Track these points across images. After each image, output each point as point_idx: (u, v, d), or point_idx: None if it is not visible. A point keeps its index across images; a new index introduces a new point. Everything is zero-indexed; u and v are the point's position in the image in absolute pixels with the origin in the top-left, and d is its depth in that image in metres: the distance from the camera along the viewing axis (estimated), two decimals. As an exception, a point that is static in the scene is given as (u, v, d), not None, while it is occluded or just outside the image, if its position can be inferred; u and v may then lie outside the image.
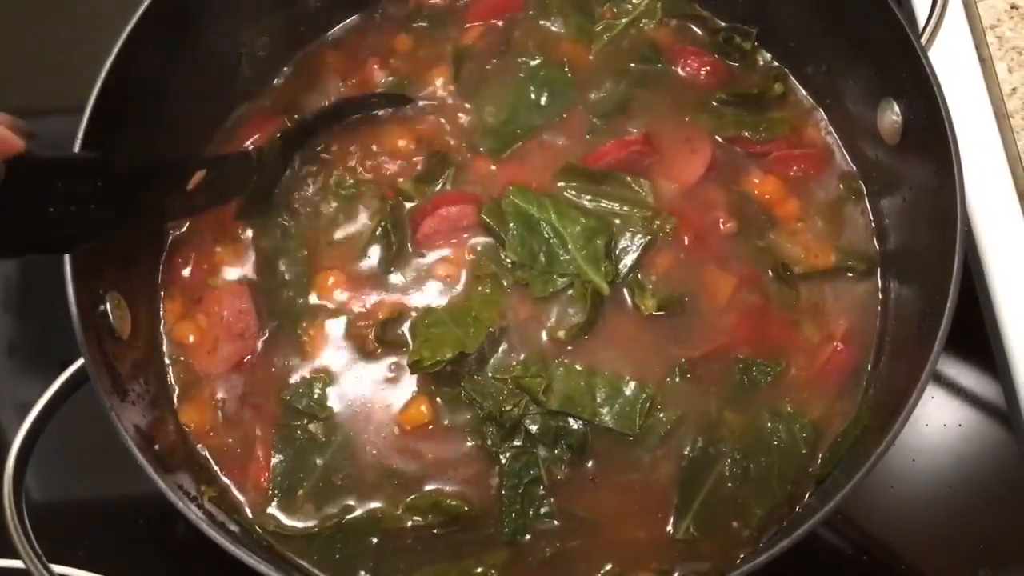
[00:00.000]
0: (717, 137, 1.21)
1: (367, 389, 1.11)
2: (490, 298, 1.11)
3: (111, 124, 1.04)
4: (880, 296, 1.15)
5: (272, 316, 1.14)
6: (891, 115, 1.09)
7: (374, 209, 1.19)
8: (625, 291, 1.13)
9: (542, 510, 1.05)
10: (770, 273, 1.15)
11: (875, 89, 1.11)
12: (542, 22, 1.30)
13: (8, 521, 0.93)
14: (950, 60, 1.37)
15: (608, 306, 1.12)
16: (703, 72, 1.25)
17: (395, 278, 1.16)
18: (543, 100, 1.24)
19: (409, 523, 1.05)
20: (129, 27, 1.05)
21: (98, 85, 1.03)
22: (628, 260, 1.13)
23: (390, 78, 1.27)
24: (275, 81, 1.29)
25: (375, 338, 1.11)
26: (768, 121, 1.22)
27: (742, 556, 1.02)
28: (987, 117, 1.38)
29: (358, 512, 1.06)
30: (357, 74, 1.28)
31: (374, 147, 1.23)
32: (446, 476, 1.07)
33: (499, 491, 1.05)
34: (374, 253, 1.17)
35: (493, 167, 1.21)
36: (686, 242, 1.15)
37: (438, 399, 1.09)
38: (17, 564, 0.95)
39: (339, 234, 1.19)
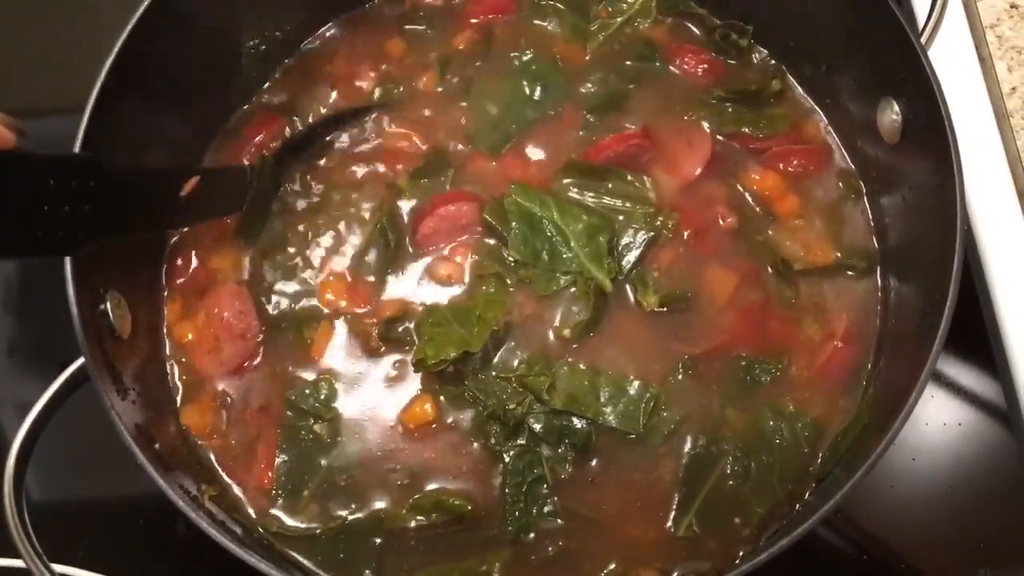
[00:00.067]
0: (717, 134, 1.21)
1: (371, 388, 1.11)
2: (494, 298, 1.11)
3: (111, 124, 1.04)
4: (880, 295, 1.15)
5: (274, 318, 1.14)
6: (891, 114, 1.09)
7: (372, 210, 1.19)
8: (628, 288, 1.13)
9: (546, 509, 1.05)
10: (770, 270, 1.15)
11: (875, 88, 1.11)
12: (536, 21, 1.30)
13: (9, 520, 0.93)
14: (950, 59, 1.38)
15: (612, 303, 1.13)
16: (700, 69, 1.26)
17: (396, 278, 1.16)
18: (536, 95, 1.24)
19: (413, 523, 1.05)
20: (129, 27, 1.06)
21: (98, 85, 1.03)
22: (631, 256, 1.14)
23: (382, 81, 1.27)
24: (274, 81, 1.29)
25: (379, 337, 1.11)
26: (768, 117, 1.22)
27: (742, 555, 1.02)
28: (987, 116, 1.38)
29: (362, 512, 1.06)
30: (349, 80, 1.27)
31: (370, 151, 1.23)
32: (449, 475, 1.07)
33: (502, 490, 1.05)
34: (374, 254, 1.16)
35: (492, 164, 1.21)
36: (687, 238, 1.15)
37: (442, 398, 1.09)
38: (18, 563, 0.95)
39: (338, 236, 1.18)
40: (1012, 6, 1.43)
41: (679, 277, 1.14)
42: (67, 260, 0.95)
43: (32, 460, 0.97)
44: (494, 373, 1.09)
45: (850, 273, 1.16)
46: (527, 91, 1.24)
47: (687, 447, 1.07)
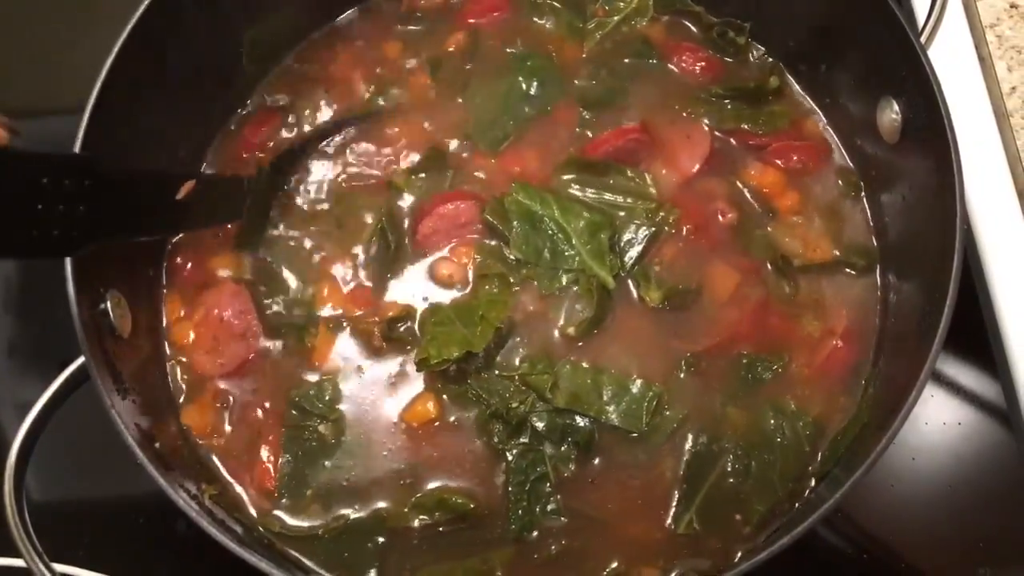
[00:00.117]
0: (716, 131, 1.21)
1: (374, 387, 1.11)
2: (498, 298, 1.11)
3: (111, 124, 1.04)
4: (879, 294, 1.15)
5: (274, 322, 1.14)
6: (890, 113, 1.09)
7: (372, 212, 1.18)
8: (630, 284, 1.14)
9: (549, 507, 1.05)
10: (769, 267, 1.15)
11: (874, 87, 1.11)
12: (535, 19, 1.30)
13: (9, 519, 0.93)
14: (949, 59, 1.38)
15: (615, 300, 1.13)
16: (698, 67, 1.26)
17: (398, 279, 1.16)
18: (533, 90, 1.24)
19: (416, 522, 1.05)
20: (129, 27, 1.06)
21: (98, 85, 1.03)
22: (633, 252, 1.14)
23: (379, 82, 1.27)
24: (273, 81, 1.29)
25: (381, 336, 1.11)
26: (766, 114, 1.23)
27: (741, 554, 1.02)
28: (986, 116, 1.38)
29: (364, 511, 1.06)
30: (346, 81, 1.27)
31: (369, 153, 1.23)
32: (452, 473, 1.07)
33: (505, 488, 1.05)
34: (374, 255, 1.16)
35: (492, 161, 1.21)
36: (687, 234, 1.15)
37: (444, 396, 1.09)
38: (18, 563, 0.95)
39: (338, 239, 1.18)
40: (1012, 6, 1.43)
41: (681, 273, 1.14)
42: (67, 259, 0.95)
43: (33, 460, 0.97)
44: (497, 372, 1.09)
45: (849, 271, 1.16)
46: (524, 87, 1.24)
47: (688, 445, 1.07)
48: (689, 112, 1.22)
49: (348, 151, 1.23)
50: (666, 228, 1.15)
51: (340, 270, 1.16)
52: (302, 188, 1.21)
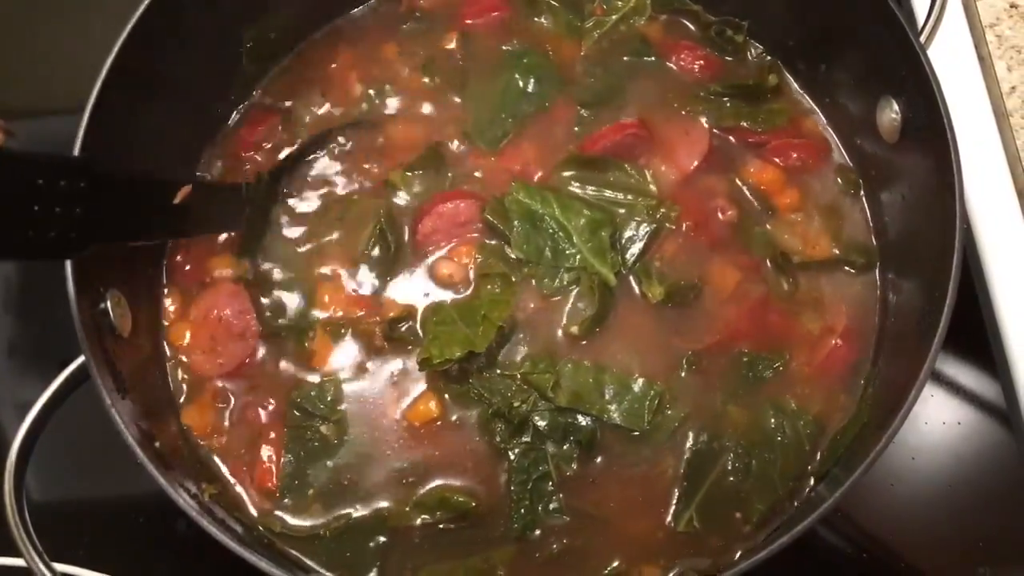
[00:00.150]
0: (715, 128, 1.21)
1: (376, 387, 1.11)
2: (500, 297, 1.11)
3: (111, 124, 1.04)
4: (879, 293, 1.15)
5: (274, 322, 1.14)
6: (890, 113, 1.09)
7: (371, 213, 1.18)
8: (632, 281, 1.13)
9: (551, 506, 1.05)
10: (769, 264, 1.15)
11: (874, 87, 1.11)
12: (534, 19, 1.30)
13: (9, 518, 0.93)
14: (949, 59, 1.38)
15: (617, 298, 1.13)
16: (696, 65, 1.26)
17: (398, 279, 1.16)
18: (530, 87, 1.24)
19: (417, 521, 1.05)
20: (129, 27, 1.06)
21: (98, 85, 1.03)
22: (634, 249, 1.14)
23: (377, 83, 1.26)
24: (272, 81, 1.29)
25: (383, 336, 1.11)
26: (765, 112, 1.23)
27: (740, 553, 1.02)
28: (986, 115, 1.38)
29: (366, 511, 1.06)
30: (344, 81, 1.27)
31: (367, 155, 1.23)
32: (454, 473, 1.07)
33: (508, 487, 1.05)
34: (375, 257, 1.16)
35: (491, 159, 1.21)
36: (688, 231, 1.15)
37: (446, 396, 1.09)
38: (19, 562, 0.95)
39: (338, 241, 1.18)
40: (1012, 5, 1.43)
41: (682, 269, 1.14)
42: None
43: (33, 459, 0.97)
44: (499, 371, 1.09)
45: (849, 269, 1.16)
46: (521, 85, 1.24)
47: (689, 443, 1.07)
48: (688, 110, 1.23)
49: (346, 154, 1.23)
50: (667, 225, 1.15)
51: (340, 272, 1.16)
52: (301, 192, 1.21)
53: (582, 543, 1.04)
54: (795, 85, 1.26)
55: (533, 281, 1.13)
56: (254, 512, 1.07)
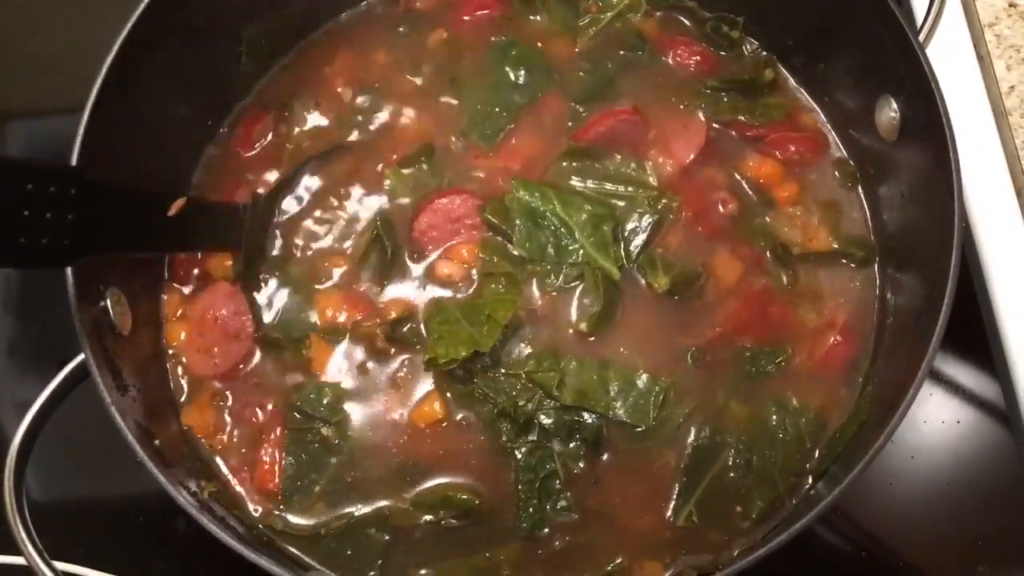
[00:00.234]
0: (712, 122, 1.21)
1: (379, 389, 1.11)
2: (504, 296, 1.10)
3: (111, 124, 1.04)
4: (878, 292, 1.15)
5: (273, 327, 1.14)
6: (889, 112, 1.09)
7: (368, 219, 1.18)
8: (637, 274, 1.13)
9: (559, 504, 1.05)
10: (769, 255, 1.15)
11: (873, 86, 1.11)
12: (529, 16, 1.30)
13: (9, 517, 0.93)
14: (948, 58, 1.38)
15: (623, 292, 1.13)
16: (693, 61, 1.26)
17: (398, 282, 1.15)
18: (521, 79, 1.24)
19: (420, 519, 1.05)
20: (128, 27, 1.05)
21: (98, 85, 1.03)
22: (638, 240, 1.14)
23: (374, 84, 1.26)
24: (271, 81, 1.29)
25: (385, 338, 1.11)
26: (763, 106, 1.23)
27: (739, 551, 1.02)
28: (985, 115, 1.38)
29: (368, 510, 1.06)
30: (341, 82, 1.27)
31: (364, 158, 1.22)
32: (458, 471, 1.07)
33: (514, 486, 1.05)
34: (372, 261, 1.16)
35: (489, 156, 1.21)
36: (688, 221, 1.16)
37: (450, 395, 1.09)
38: (19, 561, 0.95)
39: (334, 245, 1.18)
40: (1011, 5, 1.43)
41: (687, 258, 1.14)
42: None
43: (33, 458, 0.97)
44: (503, 370, 1.09)
45: (848, 263, 1.16)
46: (512, 77, 1.24)
47: (691, 439, 1.07)
48: (686, 104, 1.23)
49: (344, 159, 1.23)
50: (669, 215, 1.15)
51: (338, 277, 1.16)
52: (298, 199, 1.21)
53: (586, 540, 1.04)
54: (792, 80, 1.26)
55: (535, 279, 1.13)
56: (254, 511, 1.07)
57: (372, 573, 1.04)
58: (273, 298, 1.16)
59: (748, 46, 1.27)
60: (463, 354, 1.05)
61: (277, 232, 1.19)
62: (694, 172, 1.19)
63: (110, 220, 0.95)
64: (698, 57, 1.26)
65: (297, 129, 1.24)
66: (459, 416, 1.09)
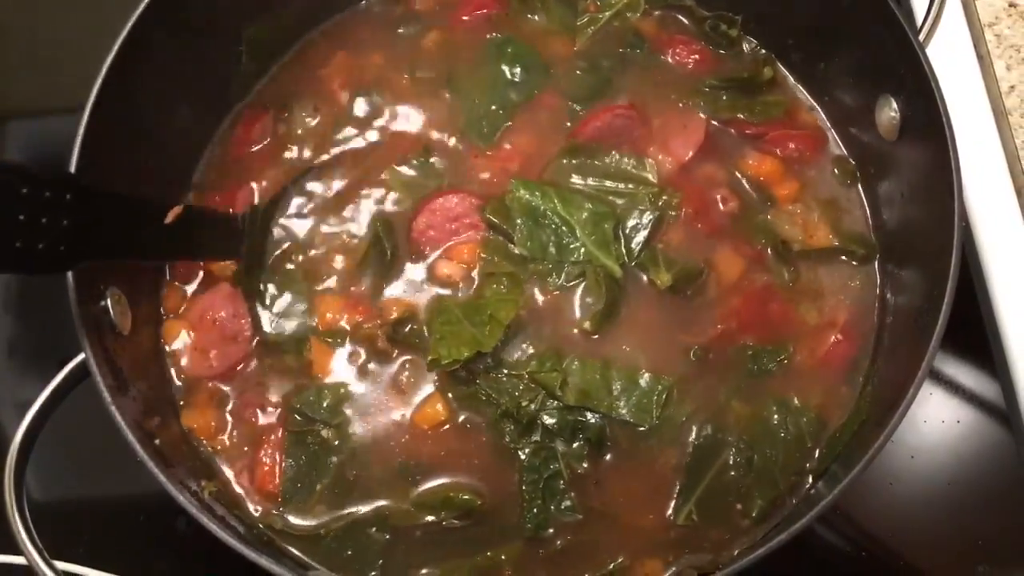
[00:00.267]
0: (712, 120, 1.22)
1: (381, 391, 1.10)
2: (507, 297, 1.10)
3: (111, 123, 1.04)
4: (878, 291, 1.15)
5: (273, 332, 1.14)
6: (889, 112, 1.09)
7: (367, 219, 1.18)
8: (639, 271, 1.13)
9: (564, 504, 1.05)
10: (770, 252, 1.15)
11: (873, 85, 1.11)
12: (527, 16, 1.30)
13: (9, 516, 0.93)
14: (948, 57, 1.38)
15: (626, 290, 1.12)
16: (691, 60, 1.26)
17: (398, 283, 1.15)
18: (517, 76, 1.24)
19: (422, 520, 1.05)
20: (128, 27, 1.06)
21: (98, 84, 1.03)
22: (640, 238, 1.14)
23: (370, 85, 1.26)
24: (270, 81, 1.29)
25: (387, 339, 1.10)
26: (762, 104, 1.23)
27: (739, 550, 1.02)
28: (985, 114, 1.38)
29: (370, 511, 1.06)
30: (338, 83, 1.27)
31: (362, 163, 1.22)
32: (462, 473, 1.07)
33: (518, 487, 1.05)
34: (372, 259, 1.15)
35: (487, 155, 1.21)
36: (688, 219, 1.15)
37: (453, 396, 1.09)
38: (19, 560, 0.96)
39: (333, 249, 1.18)
40: (1011, 4, 1.43)
41: (688, 254, 1.14)
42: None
43: (33, 458, 0.96)
44: (506, 371, 1.08)
45: (847, 260, 1.16)
46: (508, 75, 1.25)
47: (692, 437, 1.07)
48: (684, 102, 1.23)
49: (341, 164, 1.23)
50: (670, 212, 1.15)
51: (338, 280, 1.16)
52: (297, 205, 1.21)
53: (587, 539, 1.04)
54: (791, 78, 1.26)
55: (537, 278, 1.13)
56: (254, 511, 1.07)
57: (373, 573, 1.04)
58: (273, 301, 1.15)
59: (747, 44, 1.28)
60: (466, 354, 1.04)
61: (276, 238, 1.19)
62: (693, 170, 1.19)
63: (106, 226, 0.95)
64: (697, 56, 1.26)
65: (297, 131, 1.24)
66: (462, 417, 1.08)
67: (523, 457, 1.06)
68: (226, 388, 1.12)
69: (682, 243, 1.15)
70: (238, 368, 1.12)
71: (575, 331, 1.11)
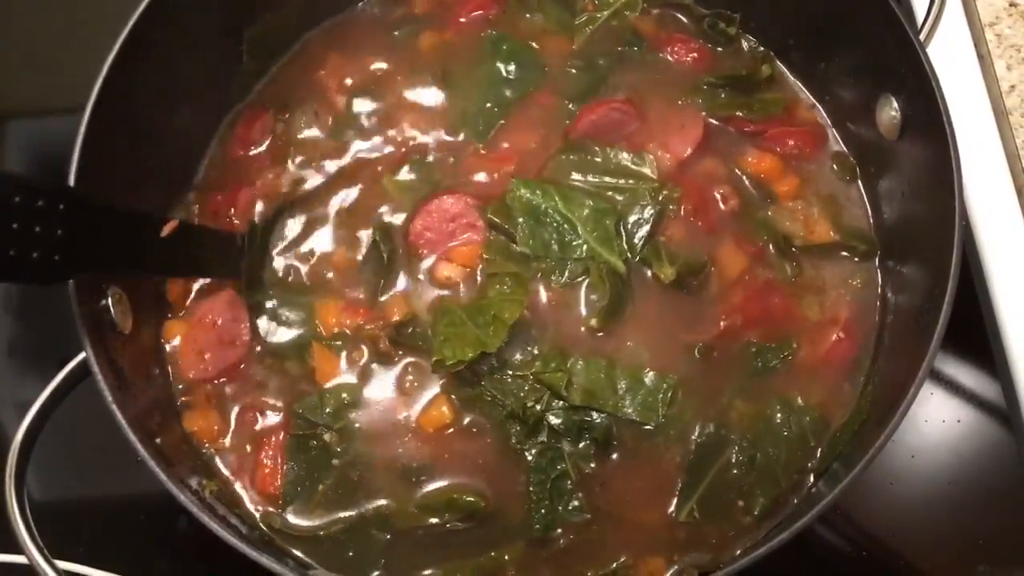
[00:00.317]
0: (710, 118, 1.22)
1: (385, 393, 1.10)
2: (511, 297, 1.10)
3: (112, 123, 1.04)
4: (879, 291, 1.15)
5: (274, 340, 1.14)
6: (890, 111, 1.09)
7: (364, 224, 1.18)
8: (643, 267, 1.13)
9: (571, 504, 1.04)
10: (771, 248, 1.15)
11: (874, 85, 1.12)
12: (525, 16, 1.30)
13: (11, 515, 0.93)
14: (948, 57, 1.38)
15: (631, 286, 1.12)
16: (690, 58, 1.26)
17: (399, 287, 1.15)
18: (512, 74, 1.25)
19: (426, 523, 1.05)
20: (129, 25, 1.05)
21: (98, 84, 1.03)
22: (642, 233, 1.14)
23: (366, 87, 1.26)
24: (269, 81, 1.29)
25: (390, 341, 1.10)
26: (760, 101, 1.23)
27: (740, 549, 1.02)
28: (986, 114, 1.38)
29: (372, 513, 1.05)
30: (335, 84, 1.27)
31: (359, 167, 1.22)
32: (466, 474, 1.06)
33: (526, 487, 1.05)
34: (371, 264, 1.15)
35: (482, 154, 1.21)
36: (688, 215, 1.15)
37: (458, 398, 1.09)
38: (20, 559, 0.96)
39: (332, 256, 1.18)
40: (1011, 4, 1.43)
41: (691, 248, 1.14)
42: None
43: (34, 458, 0.96)
44: (511, 372, 1.08)
45: (848, 255, 1.16)
46: (503, 73, 1.25)
47: (695, 435, 1.07)
48: (683, 100, 1.23)
49: (338, 170, 1.22)
50: (670, 207, 1.15)
51: (339, 286, 1.16)
52: (296, 216, 1.21)
53: (591, 538, 1.04)
54: (790, 76, 1.26)
55: (540, 276, 1.13)
56: (255, 511, 1.07)
57: (375, 573, 1.03)
58: (274, 311, 1.15)
59: (746, 42, 1.28)
60: (470, 355, 1.04)
61: (274, 251, 1.18)
62: (693, 166, 1.19)
63: (102, 238, 0.95)
64: (695, 54, 1.26)
65: (296, 134, 1.24)
66: (467, 419, 1.08)
67: (530, 458, 1.06)
68: (229, 391, 1.12)
69: (684, 239, 1.15)
70: (235, 372, 1.12)
71: (581, 329, 1.11)
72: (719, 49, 1.27)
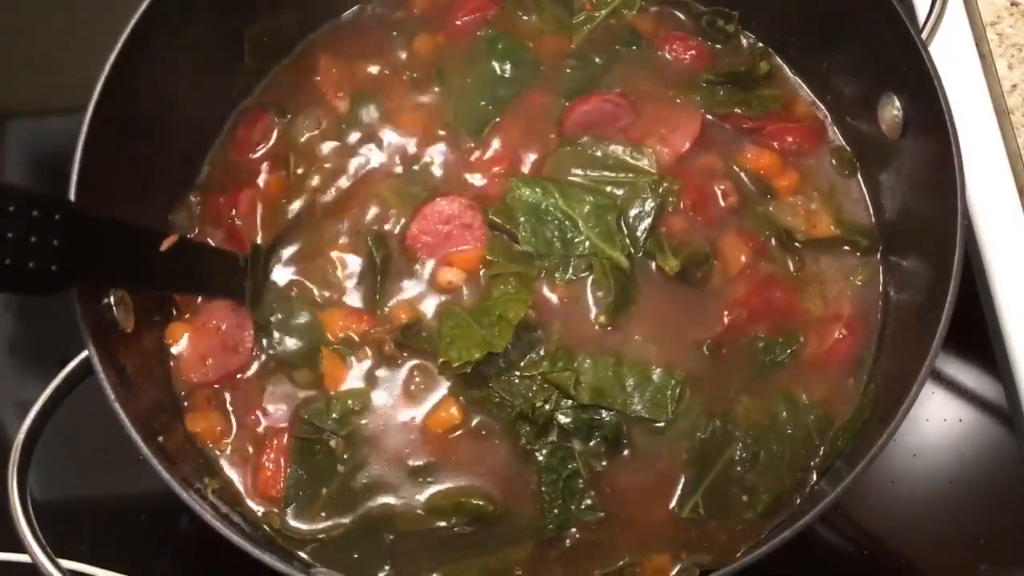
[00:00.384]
0: (708, 115, 1.21)
1: (392, 396, 1.10)
2: (516, 296, 1.09)
3: (113, 123, 1.04)
4: (881, 289, 1.15)
5: (281, 341, 1.13)
6: (892, 110, 1.09)
7: (363, 230, 1.17)
8: (647, 260, 1.13)
9: (584, 503, 1.04)
10: (773, 242, 1.15)
11: (875, 84, 1.12)
12: (523, 16, 1.30)
13: (13, 515, 0.93)
14: (950, 56, 1.38)
15: (636, 280, 1.12)
16: (688, 55, 1.26)
17: (398, 289, 1.14)
18: (507, 73, 1.24)
19: (433, 525, 1.04)
20: (130, 26, 1.05)
21: (100, 83, 1.03)
22: (644, 226, 1.13)
23: (365, 88, 1.26)
24: (270, 83, 1.29)
25: (396, 344, 1.10)
26: (759, 98, 1.23)
27: (743, 548, 1.02)
28: (987, 113, 1.38)
29: (378, 515, 1.05)
30: (334, 85, 1.27)
31: (358, 173, 1.22)
32: (474, 476, 1.06)
33: (538, 488, 1.05)
34: (372, 270, 1.15)
35: (477, 154, 1.21)
36: (687, 210, 1.15)
37: (466, 400, 1.08)
38: (23, 558, 0.96)
39: (333, 263, 1.17)
40: (1013, 3, 1.43)
41: (694, 240, 1.14)
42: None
43: (36, 457, 0.97)
44: (518, 373, 1.08)
45: (850, 250, 1.16)
46: (498, 71, 1.25)
47: (700, 432, 1.07)
48: (681, 97, 1.23)
49: (336, 176, 1.22)
50: (670, 199, 1.15)
51: (342, 294, 1.15)
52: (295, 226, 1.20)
53: (597, 537, 1.04)
54: (789, 72, 1.26)
55: (544, 274, 1.13)
56: (257, 510, 1.07)
57: (381, 575, 1.03)
58: (281, 321, 1.14)
59: (745, 39, 1.28)
60: (476, 355, 1.03)
61: (275, 266, 1.18)
62: (691, 162, 1.19)
63: (99, 249, 0.94)
64: (693, 52, 1.26)
65: (297, 138, 1.24)
66: (476, 421, 1.08)
67: (541, 458, 1.05)
68: (232, 394, 1.11)
69: (685, 232, 1.15)
70: (237, 377, 1.12)
71: (588, 326, 1.11)
72: (718, 47, 1.27)
